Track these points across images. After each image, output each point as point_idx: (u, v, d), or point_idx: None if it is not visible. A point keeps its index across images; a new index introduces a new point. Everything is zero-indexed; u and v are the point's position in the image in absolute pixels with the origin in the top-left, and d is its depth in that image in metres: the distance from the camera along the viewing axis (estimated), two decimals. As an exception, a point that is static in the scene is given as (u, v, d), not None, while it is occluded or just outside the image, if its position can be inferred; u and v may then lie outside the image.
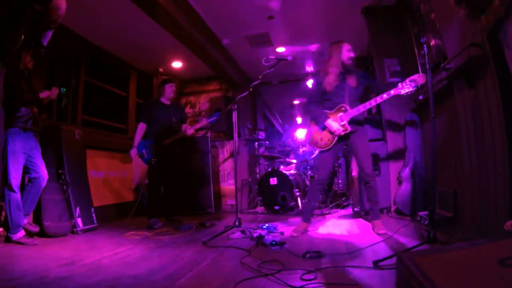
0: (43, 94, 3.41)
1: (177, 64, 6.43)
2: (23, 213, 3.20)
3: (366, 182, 3.44)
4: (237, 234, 3.42)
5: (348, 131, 3.32)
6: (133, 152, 4.41)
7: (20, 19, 3.05)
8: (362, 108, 3.26)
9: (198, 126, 4.62)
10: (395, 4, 4.53)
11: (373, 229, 3.34)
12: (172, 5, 4.09)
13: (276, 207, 5.39)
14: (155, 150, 4.38)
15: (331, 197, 5.85)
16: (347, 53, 3.38)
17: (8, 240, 3.10)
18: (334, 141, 3.40)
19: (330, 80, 3.40)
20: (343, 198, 6.06)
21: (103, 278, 2.09)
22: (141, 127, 4.52)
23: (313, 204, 3.77)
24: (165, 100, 4.66)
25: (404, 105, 4.46)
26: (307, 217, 3.56)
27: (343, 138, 3.40)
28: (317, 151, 5.74)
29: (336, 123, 3.33)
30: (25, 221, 3.26)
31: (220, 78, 7.02)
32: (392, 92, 3.10)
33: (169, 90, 4.66)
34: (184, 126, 4.67)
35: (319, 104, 3.52)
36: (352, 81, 3.40)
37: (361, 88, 3.44)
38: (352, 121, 3.35)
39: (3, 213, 3.12)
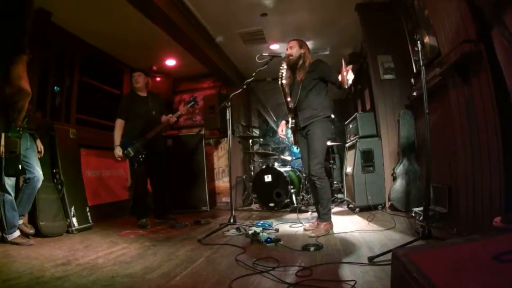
0: None
1: (170, 62, 6.41)
2: (19, 213, 3.17)
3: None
4: (232, 232, 3.43)
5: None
6: (117, 151, 4.22)
7: None
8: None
9: (178, 113, 4.38)
10: (389, 1, 4.55)
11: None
12: (166, 3, 4.07)
13: (271, 204, 5.39)
14: (140, 146, 4.21)
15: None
16: (287, 51, 3.48)
17: (3, 240, 3.07)
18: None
19: (286, 80, 3.49)
20: (338, 195, 6.08)
21: (98, 277, 2.08)
22: (118, 124, 4.33)
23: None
24: (140, 93, 4.44)
25: (398, 102, 4.48)
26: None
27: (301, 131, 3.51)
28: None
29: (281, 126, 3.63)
30: (21, 222, 3.23)
31: (214, 75, 7.00)
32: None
33: (134, 81, 4.42)
34: (163, 117, 4.39)
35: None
36: (299, 76, 3.43)
37: (313, 82, 3.34)
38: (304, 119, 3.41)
39: None
